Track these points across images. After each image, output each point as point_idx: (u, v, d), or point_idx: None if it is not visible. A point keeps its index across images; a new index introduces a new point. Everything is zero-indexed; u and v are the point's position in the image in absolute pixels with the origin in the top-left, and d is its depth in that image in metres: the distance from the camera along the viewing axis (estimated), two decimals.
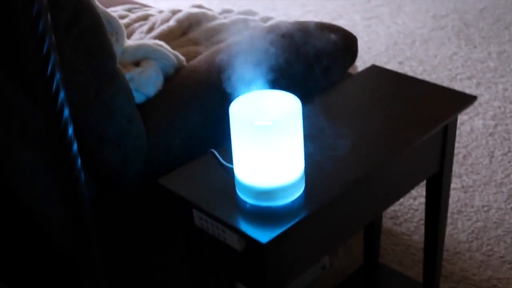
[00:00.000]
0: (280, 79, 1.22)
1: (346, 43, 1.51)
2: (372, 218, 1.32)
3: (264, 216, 1.08)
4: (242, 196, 1.11)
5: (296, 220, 1.06)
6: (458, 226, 2.01)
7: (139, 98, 1.30)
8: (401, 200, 2.13)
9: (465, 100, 1.38)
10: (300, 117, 1.06)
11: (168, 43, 1.47)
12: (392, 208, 2.09)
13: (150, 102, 1.31)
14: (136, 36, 1.68)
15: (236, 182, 1.12)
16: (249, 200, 1.10)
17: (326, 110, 1.36)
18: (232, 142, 1.08)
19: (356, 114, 1.34)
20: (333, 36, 1.45)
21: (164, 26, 1.67)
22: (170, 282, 1.46)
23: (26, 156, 1.14)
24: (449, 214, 2.04)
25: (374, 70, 1.52)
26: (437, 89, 1.42)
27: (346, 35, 1.52)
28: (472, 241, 1.96)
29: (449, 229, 1.99)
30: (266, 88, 1.11)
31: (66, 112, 0.93)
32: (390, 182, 1.29)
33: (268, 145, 1.04)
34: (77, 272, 1.29)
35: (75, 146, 0.96)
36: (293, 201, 1.10)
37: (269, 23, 1.77)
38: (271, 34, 1.37)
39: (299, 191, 1.11)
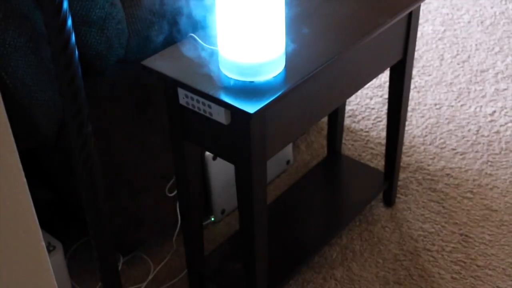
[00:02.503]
0: None
1: None
2: (343, 99, 1.39)
3: (249, 90, 1.13)
4: (226, 72, 1.16)
5: (279, 93, 1.12)
6: (412, 123, 2.12)
7: None
8: (358, 100, 2.22)
9: None
10: None
11: None
12: (349, 107, 2.18)
13: None
14: None
15: (220, 59, 1.16)
16: (233, 76, 1.15)
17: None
18: (217, 18, 1.12)
19: (325, 1, 1.40)
20: None
21: None
22: (152, 166, 1.52)
23: (11, 37, 1.15)
24: None
25: None
26: None
27: None
28: (426, 135, 2.07)
29: None
30: None
31: None
32: (360, 65, 1.37)
33: (253, 20, 1.08)
34: (65, 156, 1.33)
35: (69, 21, 0.99)
36: (274, 77, 1.16)
37: None
38: None
39: (280, 68, 1.17)
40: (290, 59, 1.20)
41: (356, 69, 1.37)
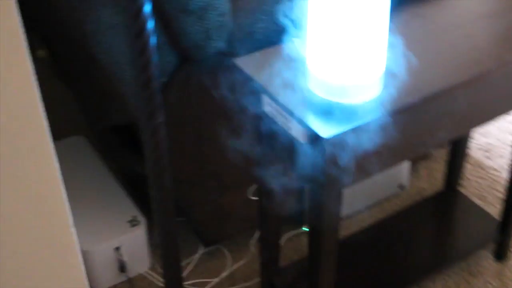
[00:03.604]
0: None
1: None
2: (450, 138, 1.25)
3: (332, 111, 1.03)
4: (312, 88, 1.07)
5: (363, 121, 1.02)
6: None
7: None
8: (498, 133, 2.01)
9: None
10: (387, 9, 0.99)
11: None
12: (486, 140, 1.99)
13: None
14: None
15: (308, 73, 1.08)
16: (319, 94, 1.06)
17: (419, 20, 1.28)
18: (308, 29, 1.03)
19: (451, 27, 1.25)
20: None
21: None
22: (242, 163, 1.46)
23: (107, 15, 1.14)
24: None
25: None
26: None
27: None
28: None
29: None
30: None
31: None
32: (478, 102, 1.21)
33: (347, 35, 0.98)
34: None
35: (147, 6, 0.95)
36: (366, 102, 1.05)
37: None
38: None
39: (375, 92, 1.05)
40: (391, 84, 1.08)
41: (472, 106, 1.21)
